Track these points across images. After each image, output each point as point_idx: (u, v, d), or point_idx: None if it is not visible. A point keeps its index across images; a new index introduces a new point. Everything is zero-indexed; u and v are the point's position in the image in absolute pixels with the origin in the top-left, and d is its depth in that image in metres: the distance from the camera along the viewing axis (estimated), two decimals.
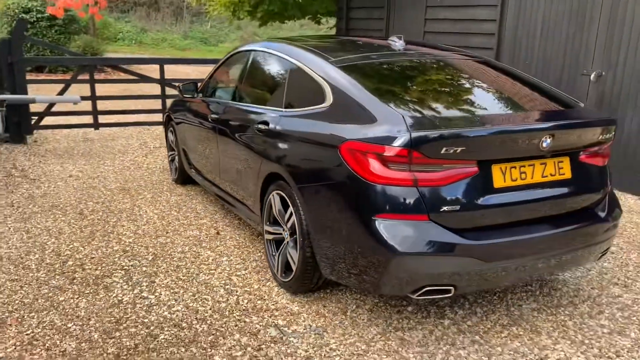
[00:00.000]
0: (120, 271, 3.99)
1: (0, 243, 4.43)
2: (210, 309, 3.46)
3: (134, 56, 19.98)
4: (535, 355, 3.05)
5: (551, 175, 3.15)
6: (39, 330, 3.18)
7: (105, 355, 2.95)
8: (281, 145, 3.61)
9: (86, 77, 8.47)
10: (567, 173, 3.20)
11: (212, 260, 4.21)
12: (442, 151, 2.80)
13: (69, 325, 3.24)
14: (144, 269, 4.04)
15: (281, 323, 3.32)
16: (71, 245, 4.43)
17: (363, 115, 3.07)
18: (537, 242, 3.05)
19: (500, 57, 7.48)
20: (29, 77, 8.22)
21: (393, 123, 2.90)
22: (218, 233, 4.78)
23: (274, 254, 3.82)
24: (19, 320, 3.27)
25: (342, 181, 3.02)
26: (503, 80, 3.76)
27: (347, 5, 10.44)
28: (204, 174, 5.26)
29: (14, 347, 3.00)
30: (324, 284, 3.61)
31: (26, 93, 8.00)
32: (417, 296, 2.94)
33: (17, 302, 3.50)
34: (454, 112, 3.21)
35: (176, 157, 6.15)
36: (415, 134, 2.78)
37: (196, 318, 3.35)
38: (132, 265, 4.08)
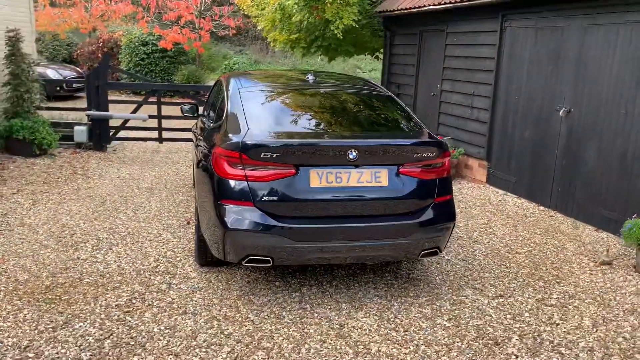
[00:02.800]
0: (94, 240, 5.36)
1: (32, 216, 6.04)
2: (132, 269, 4.69)
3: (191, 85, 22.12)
4: (337, 321, 3.88)
5: (367, 182, 3.99)
6: (10, 267, 4.60)
7: (40, 284, 4.29)
8: (197, 149, 4.80)
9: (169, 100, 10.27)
10: (384, 182, 4.02)
11: (165, 239, 5.45)
12: (262, 155, 3.81)
13: (33, 267, 4.63)
14: (112, 240, 5.38)
15: (174, 282, 4.45)
16: (77, 222, 5.91)
17: (237, 129, 4.15)
18: (345, 231, 3.91)
19: (497, 92, 8.03)
20: (125, 98, 10.18)
21: (241, 135, 3.97)
22: (188, 223, 6.02)
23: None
24: (3, 259, 4.74)
25: (210, 175, 4.11)
26: (364, 109, 4.65)
27: (390, 42, 11.47)
28: None
29: None
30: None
31: (107, 110, 9.95)
32: (245, 263, 3.93)
33: (12, 250, 4.99)
34: (290, 129, 4.20)
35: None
36: (243, 142, 3.83)
37: (118, 273, 4.60)
38: (105, 238, 5.45)
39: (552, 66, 7.00)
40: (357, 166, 3.98)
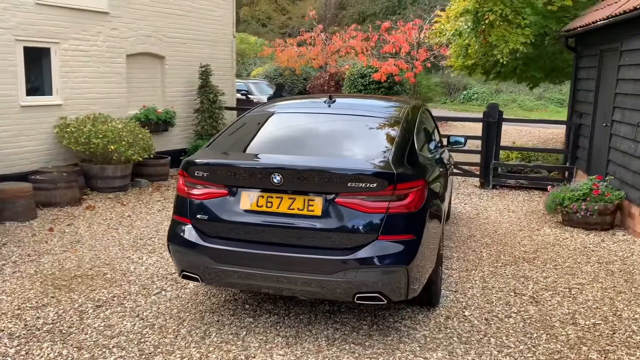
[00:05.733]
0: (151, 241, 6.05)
1: (137, 219, 7.07)
2: (135, 270, 5.18)
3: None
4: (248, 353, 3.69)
5: (299, 209, 3.70)
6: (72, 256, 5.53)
7: (70, 273, 5.08)
8: None
9: None
10: (316, 211, 3.68)
11: None
12: (196, 174, 3.89)
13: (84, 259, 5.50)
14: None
15: (168, 289, 4.78)
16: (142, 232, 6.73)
17: (202, 149, 4.36)
18: (267, 259, 3.68)
19: None
20: None
21: (194, 155, 4.13)
22: None
23: None
24: (75, 249, 5.72)
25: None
26: (348, 135, 4.28)
27: (576, 65, 9.99)
28: None
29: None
30: None
31: None
32: (182, 277, 4.02)
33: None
34: (244, 150, 4.12)
35: None
36: (185, 161, 3.98)
37: (123, 274, 5.12)
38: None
39: None
40: (292, 192, 3.74)
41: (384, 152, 3.98)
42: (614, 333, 4.20)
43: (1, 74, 7.82)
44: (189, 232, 3.93)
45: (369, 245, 3.63)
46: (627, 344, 4.03)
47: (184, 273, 3.99)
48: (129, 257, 5.56)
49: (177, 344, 3.81)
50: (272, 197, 3.77)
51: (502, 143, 10.10)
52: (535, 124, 17.79)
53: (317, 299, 4.33)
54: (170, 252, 4.07)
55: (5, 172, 7.88)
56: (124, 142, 8.32)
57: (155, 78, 10.52)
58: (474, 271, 5.47)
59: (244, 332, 4.00)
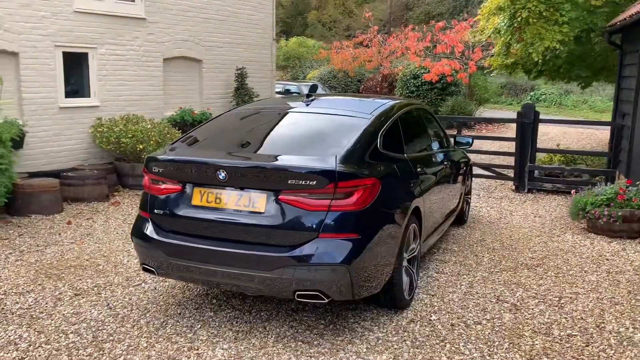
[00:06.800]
0: None
1: None
2: (127, 262, 5.39)
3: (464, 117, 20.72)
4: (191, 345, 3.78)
5: (244, 206, 3.75)
6: (74, 248, 5.85)
7: (67, 262, 5.38)
8: None
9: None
10: (261, 207, 3.71)
11: None
12: (153, 170, 4.03)
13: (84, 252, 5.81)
14: None
15: (150, 281, 4.97)
16: None
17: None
18: (212, 254, 3.75)
19: None
20: None
21: (157, 152, 4.29)
22: None
23: None
24: (82, 241, 6.05)
25: None
26: (307, 132, 4.30)
27: (621, 63, 9.38)
28: None
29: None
30: None
31: None
32: (143, 270, 4.17)
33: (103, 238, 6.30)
34: (200, 147, 4.23)
35: None
36: (147, 157, 4.13)
37: (115, 266, 5.35)
38: None
39: None
40: (239, 189, 3.79)
41: (337, 149, 3.92)
42: (586, 346, 3.93)
43: (41, 78, 8.40)
44: (147, 227, 4.08)
45: (309, 243, 3.61)
46: (595, 358, 3.76)
47: (143, 266, 4.14)
48: (128, 250, 5.81)
49: (130, 333, 3.96)
50: (221, 194, 3.84)
51: (549, 145, 9.64)
52: (578, 125, 16.82)
53: (262, 295, 4.32)
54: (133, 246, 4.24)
55: (46, 169, 8.45)
56: (152, 142, 8.68)
57: (193, 81, 10.90)
58: (465, 276, 5.28)
59: (199, 326, 4.09)
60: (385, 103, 4.93)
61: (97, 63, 9.14)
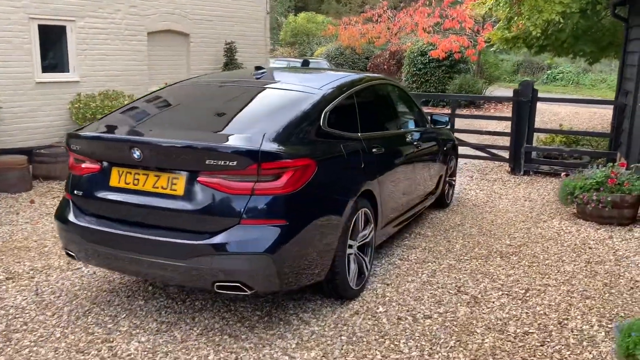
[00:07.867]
0: None
1: None
2: None
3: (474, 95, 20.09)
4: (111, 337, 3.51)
5: (162, 188, 3.43)
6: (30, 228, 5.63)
7: (22, 243, 5.16)
8: None
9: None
10: (179, 190, 3.38)
11: None
12: (72, 147, 3.73)
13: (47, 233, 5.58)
14: None
15: None
16: None
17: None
18: (126, 241, 3.45)
19: None
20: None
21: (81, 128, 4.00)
22: None
23: None
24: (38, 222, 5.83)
25: None
26: (244, 107, 3.97)
27: (626, 38, 8.79)
28: None
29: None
30: None
31: None
32: (66, 255, 3.89)
33: None
34: (124, 122, 3.91)
35: None
36: (68, 133, 3.82)
37: (59, 246, 5.08)
38: None
39: None
40: (157, 169, 3.47)
41: (270, 126, 3.56)
42: (541, 345, 3.57)
43: (15, 52, 8.15)
44: (68, 209, 3.79)
45: (229, 230, 3.29)
46: (549, 358, 3.40)
47: (66, 251, 3.86)
48: None
49: (47, 322, 3.71)
50: (138, 174, 3.53)
51: (553, 126, 9.12)
52: (580, 104, 16.12)
53: (181, 285, 4.03)
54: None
55: (22, 145, 8.25)
56: None
57: (180, 55, 10.58)
58: (430, 263, 4.93)
59: (124, 315, 3.82)
60: (341, 77, 4.54)
61: (76, 37, 8.85)
